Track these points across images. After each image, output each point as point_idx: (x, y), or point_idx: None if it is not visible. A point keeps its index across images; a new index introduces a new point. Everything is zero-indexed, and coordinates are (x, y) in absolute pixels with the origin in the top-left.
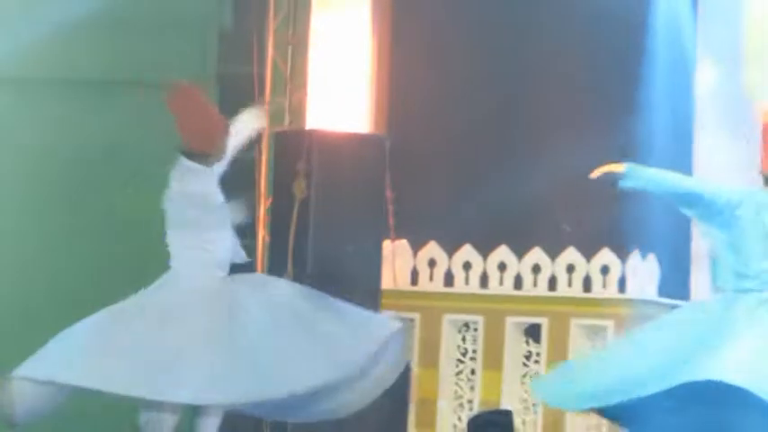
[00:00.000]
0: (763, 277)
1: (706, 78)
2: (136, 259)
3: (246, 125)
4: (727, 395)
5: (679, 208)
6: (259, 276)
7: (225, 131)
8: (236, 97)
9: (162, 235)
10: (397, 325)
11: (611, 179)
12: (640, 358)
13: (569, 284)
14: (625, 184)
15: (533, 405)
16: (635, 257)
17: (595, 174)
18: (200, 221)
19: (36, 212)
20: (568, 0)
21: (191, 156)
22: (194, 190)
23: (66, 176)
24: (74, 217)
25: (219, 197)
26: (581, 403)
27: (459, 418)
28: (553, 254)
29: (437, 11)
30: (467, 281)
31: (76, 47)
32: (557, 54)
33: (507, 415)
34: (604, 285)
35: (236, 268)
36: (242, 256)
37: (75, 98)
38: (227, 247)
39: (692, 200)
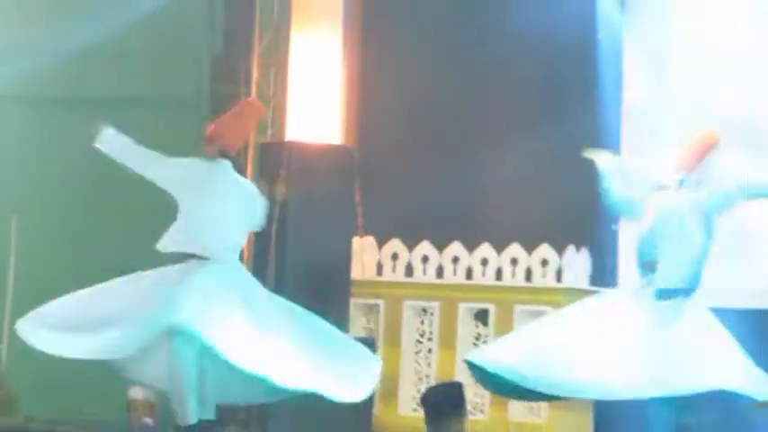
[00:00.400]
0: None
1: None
2: (139, 248)
3: None
4: None
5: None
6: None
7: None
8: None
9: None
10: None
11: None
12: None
13: (513, 275)
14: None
15: None
16: (570, 251)
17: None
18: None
19: (56, 211)
20: (520, 25)
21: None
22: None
23: (80, 180)
24: (89, 214)
25: None
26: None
27: (418, 391)
28: (499, 248)
29: (400, 37)
30: (425, 272)
31: (90, 69)
32: (507, 73)
33: (459, 387)
34: (543, 276)
35: None
36: None
37: (88, 114)
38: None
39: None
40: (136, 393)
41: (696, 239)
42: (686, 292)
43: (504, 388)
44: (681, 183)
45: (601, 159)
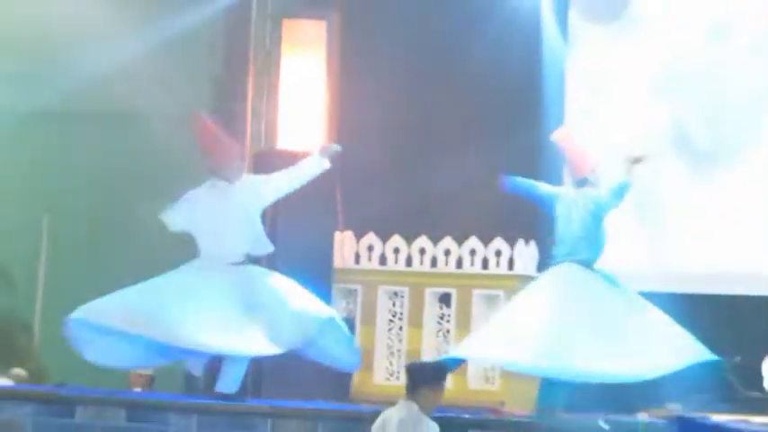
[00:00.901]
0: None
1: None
2: (149, 246)
3: (305, 168)
4: None
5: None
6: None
7: (237, 155)
8: (226, 126)
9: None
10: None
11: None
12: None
13: (471, 264)
14: (509, 189)
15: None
16: (520, 244)
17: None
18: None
19: (80, 213)
20: (477, 53)
21: (215, 174)
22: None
23: (98, 183)
24: (108, 217)
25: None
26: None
27: (390, 363)
28: (459, 241)
29: (375, 60)
30: (396, 261)
31: (108, 88)
32: (466, 91)
33: (441, 366)
34: (497, 264)
35: None
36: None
37: (106, 126)
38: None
39: (542, 200)
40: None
41: (580, 224)
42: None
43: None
44: (577, 184)
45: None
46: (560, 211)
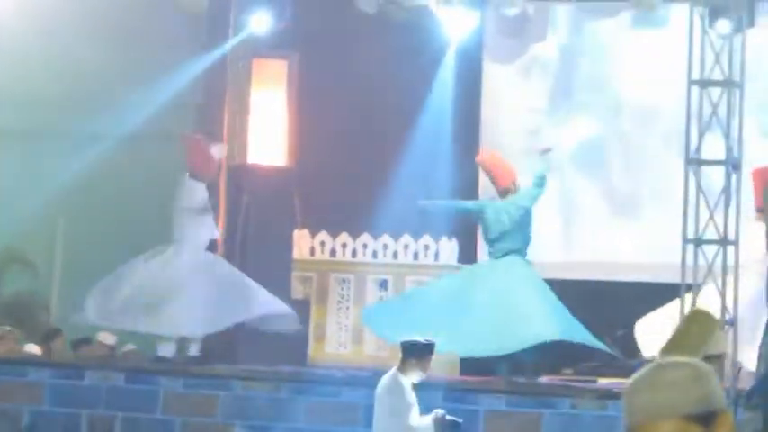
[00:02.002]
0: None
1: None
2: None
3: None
4: None
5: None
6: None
7: (215, 167)
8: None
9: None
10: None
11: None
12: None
13: (405, 256)
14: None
15: None
16: (444, 240)
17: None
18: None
19: (88, 215)
20: (416, 80)
21: (193, 176)
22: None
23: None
24: (110, 219)
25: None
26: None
27: (339, 336)
28: (395, 238)
29: (326, 91)
30: (343, 254)
31: (103, 113)
32: (404, 115)
33: (430, 343)
34: (426, 256)
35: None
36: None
37: (102, 145)
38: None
39: (468, 212)
40: (102, 336)
41: (510, 223)
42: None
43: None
44: (501, 194)
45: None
46: (490, 215)
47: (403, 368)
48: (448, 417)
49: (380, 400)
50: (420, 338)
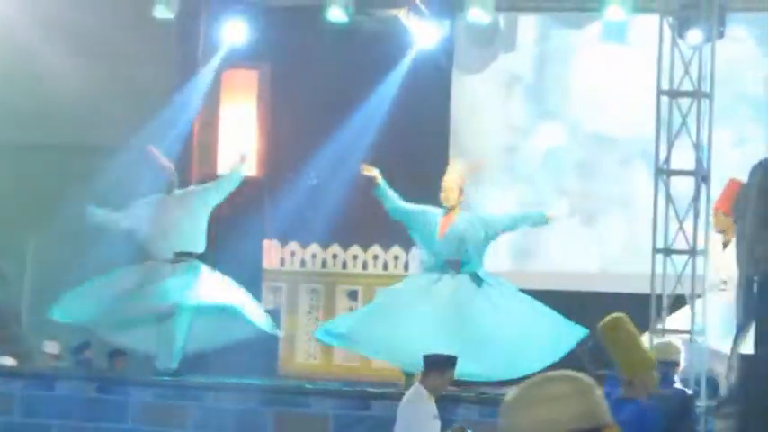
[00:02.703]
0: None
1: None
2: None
3: (227, 181)
4: None
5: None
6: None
7: (171, 174)
8: (180, 153)
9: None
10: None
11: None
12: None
13: (374, 266)
14: (376, 195)
15: None
16: (414, 250)
17: (364, 169)
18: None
19: (59, 228)
20: (384, 91)
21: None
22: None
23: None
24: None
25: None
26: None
27: (309, 346)
28: (365, 248)
29: (296, 103)
30: (313, 264)
31: (76, 122)
32: (374, 123)
33: (452, 358)
34: (396, 267)
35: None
36: None
37: (81, 157)
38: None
39: (406, 217)
40: (48, 347)
41: (477, 242)
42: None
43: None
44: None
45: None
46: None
47: (425, 381)
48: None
49: (401, 412)
50: (443, 352)
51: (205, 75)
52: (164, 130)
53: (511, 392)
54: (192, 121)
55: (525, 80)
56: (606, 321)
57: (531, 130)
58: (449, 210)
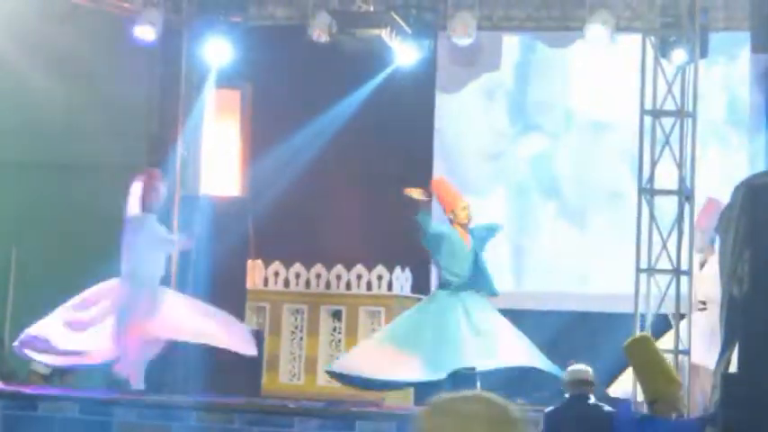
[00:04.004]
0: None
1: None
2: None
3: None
4: None
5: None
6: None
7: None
8: (162, 172)
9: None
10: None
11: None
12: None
13: (358, 286)
14: (421, 220)
15: None
16: (398, 270)
17: (408, 192)
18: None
19: (41, 245)
20: (366, 110)
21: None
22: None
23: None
24: (63, 248)
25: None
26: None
27: (293, 366)
28: (349, 268)
29: (278, 122)
30: (297, 284)
31: (64, 143)
32: (356, 142)
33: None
34: (379, 287)
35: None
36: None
37: (59, 175)
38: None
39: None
40: (37, 368)
41: (467, 258)
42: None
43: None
44: (449, 220)
45: (421, 216)
46: (450, 246)
47: None
48: None
49: None
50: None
51: (192, 95)
52: (149, 147)
53: (426, 406)
54: (175, 140)
55: (509, 95)
56: (631, 341)
57: (516, 146)
58: (462, 227)
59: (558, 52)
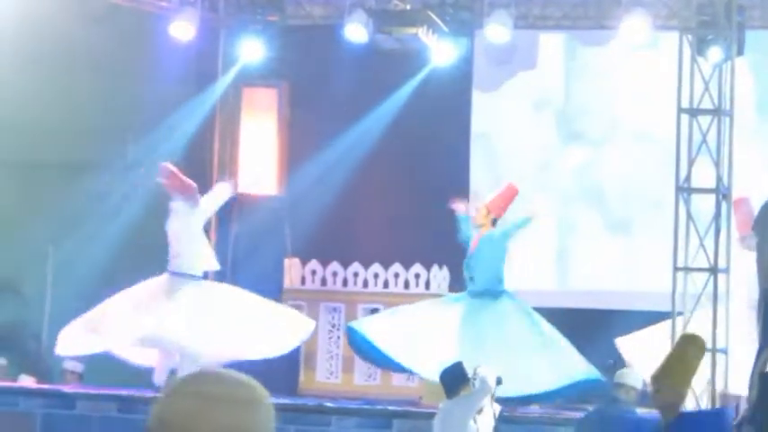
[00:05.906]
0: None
1: None
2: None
3: (217, 195)
4: None
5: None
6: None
7: (191, 190)
8: (200, 170)
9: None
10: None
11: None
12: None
13: (396, 285)
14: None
15: None
16: (435, 268)
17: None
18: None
19: (77, 243)
20: (404, 110)
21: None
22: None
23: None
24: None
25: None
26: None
27: (330, 365)
28: (386, 266)
29: (316, 119)
30: (334, 283)
31: (103, 143)
32: (393, 141)
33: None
34: (417, 285)
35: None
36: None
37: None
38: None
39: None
40: (70, 365)
41: (496, 261)
42: (492, 293)
43: (368, 355)
44: (494, 222)
45: (458, 209)
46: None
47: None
48: None
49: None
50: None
51: (216, 90)
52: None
53: (171, 384)
54: (196, 135)
55: (549, 97)
56: (691, 335)
57: (558, 149)
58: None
59: (594, 51)
